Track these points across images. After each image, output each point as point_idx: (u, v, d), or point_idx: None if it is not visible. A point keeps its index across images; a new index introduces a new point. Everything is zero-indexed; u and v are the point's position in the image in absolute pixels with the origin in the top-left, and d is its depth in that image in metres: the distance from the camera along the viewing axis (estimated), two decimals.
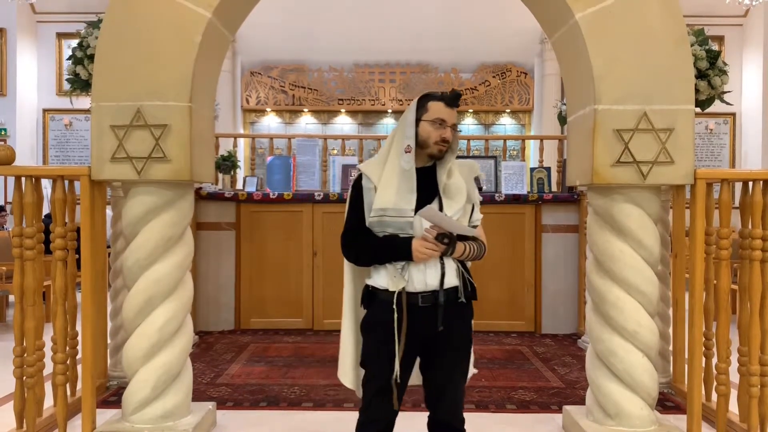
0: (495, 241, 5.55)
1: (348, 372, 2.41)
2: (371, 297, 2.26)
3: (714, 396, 3.20)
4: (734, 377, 3.12)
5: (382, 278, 2.21)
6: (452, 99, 2.23)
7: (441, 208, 2.19)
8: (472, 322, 2.33)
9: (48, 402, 3.19)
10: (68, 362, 3.17)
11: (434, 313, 2.16)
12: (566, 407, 3.37)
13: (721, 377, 3.09)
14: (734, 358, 3.09)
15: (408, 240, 2.15)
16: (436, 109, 2.22)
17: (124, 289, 3.42)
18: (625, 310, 2.93)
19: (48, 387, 3.18)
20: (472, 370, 2.40)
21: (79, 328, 3.20)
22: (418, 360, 2.30)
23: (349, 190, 2.33)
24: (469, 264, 2.34)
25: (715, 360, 3.18)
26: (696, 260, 3.02)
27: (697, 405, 3.02)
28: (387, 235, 2.20)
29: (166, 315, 2.97)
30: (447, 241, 2.13)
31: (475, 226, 2.31)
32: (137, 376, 2.97)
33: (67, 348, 3.18)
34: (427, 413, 2.33)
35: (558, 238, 5.75)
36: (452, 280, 2.20)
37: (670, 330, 3.97)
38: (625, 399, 2.94)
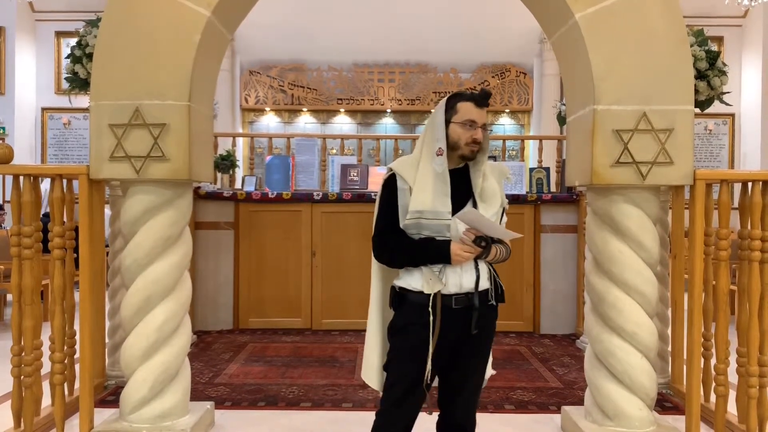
0: None
1: (374, 373, 2.35)
2: (401, 299, 2.21)
3: (713, 397, 3.20)
4: (733, 378, 3.12)
5: (416, 280, 2.17)
6: (482, 98, 2.20)
7: (461, 206, 2.16)
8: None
9: (46, 401, 3.19)
10: (66, 361, 3.17)
11: (466, 315, 2.15)
12: (565, 408, 3.37)
13: (719, 378, 3.09)
14: (733, 358, 3.09)
15: (446, 243, 2.12)
16: (466, 109, 2.18)
17: (122, 288, 3.42)
18: (624, 311, 2.93)
19: (46, 386, 3.17)
20: (490, 371, 2.39)
21: (77, 327, 3.19)
22: None
23: (380, 190, 2.27)
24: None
25: (713, 361, 3.18)
26: (695, 261, 3.02)
27: (695, 406, 3.02)
28: (423, 237, 2.17)
29: (164, 314, 2.97)
30: (484, 244, 2.11)
31: None
32: (135, 376, 2.96)
33: (65, 347, 3.17)
34: (435, 413, 2.31)
35: (557, 238, 5.75)
36: (485, 282, 2.19)
37: (669, 331, 3.97)
38: (623, 399, 2.94)
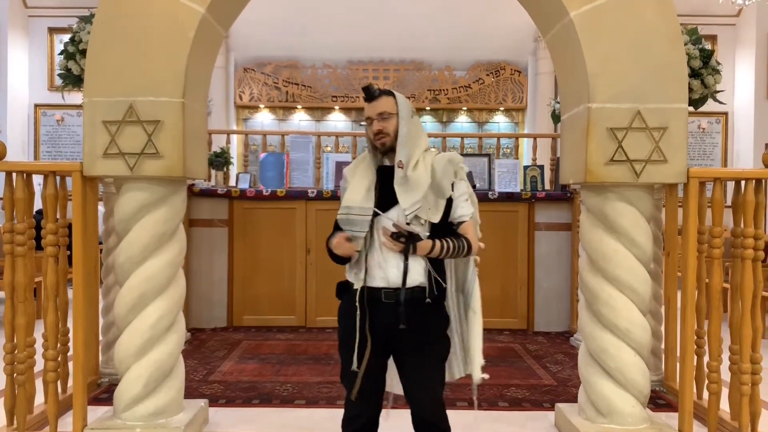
0: (488, 239, 5.53)
1: None
2: (343, 290, 2.32)
3: (705, 394, 3.21)
4: (725, 375, 3.14)
5: (350, 273, 2.30)
6: (366, 95, 2.31)
7: (395, 201, 2.21)
8: (454, 324, 2.34)
9: (39, 399, 3.17)
10: (59, 359, 3.15)
11: (396, 310, 2.17)
12: (558, 405, 3.38)
13: (712, 375, 3.11)
14: (726, 356, 3.11)
15: (332, 235, 2.25)
16: (365, 110, 2.32)
17: (116, 285, 3.41)
18: (618, 308, 2.94)
19: (39, 384, 3.16)
20: (478, 374, 2.32)
21: (70, 324, 3.18)
22: None
23: None
24: (449, 262, 2.34)
25: (706, 358, 3.19)
26: (688, 259, 3.03)
27: (688, 403, 3.04)
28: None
29: (158, 312, 2.96)
30: (403, 240, 2.14)
31: (459, 222, 2.30)
32: (129, 373, 2.96)
33: (59, 345, 3.16)
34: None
35: (551, 236, 5.76)
36: (417, 278, 2.20)
37: (662, 328, 3.98)
38: (617, 397, 2.95)
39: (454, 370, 2.39)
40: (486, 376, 2.34)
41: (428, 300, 2.21)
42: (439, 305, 2.29)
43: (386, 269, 2.20)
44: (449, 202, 2.27)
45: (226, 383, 4.03)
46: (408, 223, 2.18)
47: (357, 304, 2.19)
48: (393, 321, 2.17)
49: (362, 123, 2.39)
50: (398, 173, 2.24)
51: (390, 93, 2.31)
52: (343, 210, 2.26)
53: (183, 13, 2.95)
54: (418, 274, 2.20)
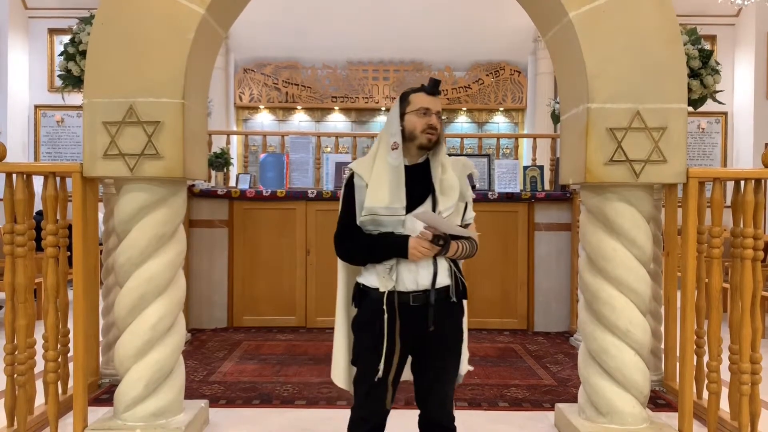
0: (488, 239, 5.56)
1: (341, 372, 2.40)
2: (362, 295, 2.25)
3: (705, 394, 3.22)
4: (725, 375, 3.14)
5: (374, 277, 2.21)
6: (432, 86, 2.24)
7: (435, 204, 2.18)
8: (465, 320, 2.33)
9: (39, 400, 3.18)
10: (60, 360, 3.15)
11: (425, 312, 2.16)
12: (558, 405, 3.38)
13: (712, 375, 3.11)
14: (725, 356, 3.11)
15: (404, 237, 2.14)
16: (419, 99, 2.23)
17: (116, 286, 3.41)
18: (618, 309, 2.94)
19: (39, 385, 3.16)
20: (467, 367, 2.38)
21: (70, 325, 3.18)
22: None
23: (342, 189, 2.32)
24: (461, 262, 2.34)
25: (706, 358, 3.20)
26: (688, 259, 3.03)
27: (688, 403, 3.04)
28: (382, 233, 2.19)
29: (158, 313, 2.96)
30: (442, 242, 2.12)
31: (467, 225, 2.31)
32: (129, 374, 2.96)
33: (59, 346, 3.16)
34: (416, 411, 2.32)
35: (551, 236, 5.77)
36: (444, 279, 2.20)
37: (662, 328, 3.99)
38: (617, 397, 2.95)
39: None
40: (470, 367, 2.40)
41: (453, 299, 2.21)
42: (461, 304, 2.29)
43: (417, 271, 2.16)
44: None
45: (227, 384, 4.03)
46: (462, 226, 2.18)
47: (385, 307, 2.14)
48: (422, 323, 2.16)
49: (405, 113, 2.23)
50: (435, 176, 2.22)
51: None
52: (368, 210, 2.16)
53: (183, 14, 2.95)
54: (444, 275, 2.20)
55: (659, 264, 4.01)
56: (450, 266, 2.22)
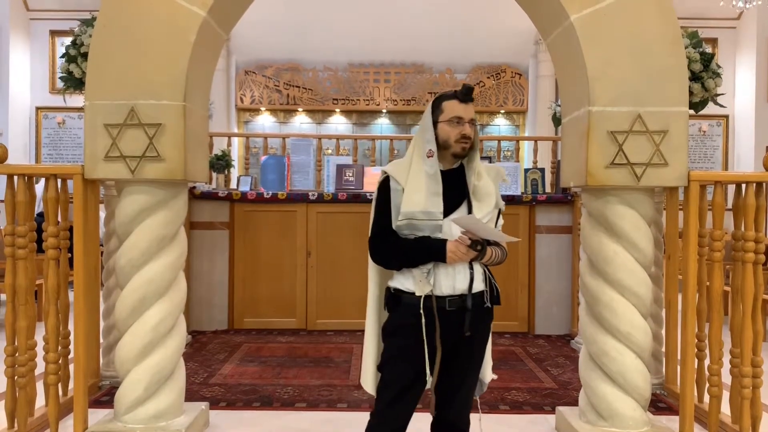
0: None
1: (369, 378, 2.34)
2: (396, 300, 2.21)
3: (706, 397, 3.21)
4: (726, 379, 3.13)
5: (409, 281, 2.18)
6: (465, 94, 2.20)
7: (470, 211, 2.17)
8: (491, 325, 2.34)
9: (40, 402, 3.18)
10: (60, 362, 3.16)
11: (461, 317, 2.15)
12: (559, 408, 3.37)
13: (713, 378, 3.10)
14: (726, 359, 3.10)
15: (442, 241, 2.12)
16: (451, 107, 2.19)
17: (116, 288, 3.41)
18: (619, 312, 2.94)
19: (40, 387, 3.16)
20: (491, 375, 2.39)
21: (71, 327, 3.18)
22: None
23: (375, 193, 2.28)
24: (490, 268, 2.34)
25: (707, 361, 3.19)
26: (689, 262, 3.03)
27: (689, 406, 3.04)
28: (419, 237, 2.17)
29: (159, 315, 2.96)
30: (480, 247, 2.12)
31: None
32: (130, 376, 2.96)
33: (59, 347, 3.16)
34: (427, 413, 2.31)
35: (552, 239, 5.76)
36: (480, 284, 2.20)
37: (663, 331, 3.98)
38: (618, 400, 2.95)
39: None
40: (495, 376, 2.42)
41: (488, 305, 2.22)
42: (492, 309, 2.28)
43: (454, 276, 2.15)
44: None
45: (227, 386, 4.03)
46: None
47: (422, 311, 2.12)
48: (458, 328, 2.16)
49: (438, 120, 2.19)
50: (470, 182, 2.21)
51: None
52: (405, 215, 2.14)
53: (184, 17, 2.95)
54: (480, 280, 2.20)
55: (660, 267, 4.01)
56: (485, 272, 2.23)
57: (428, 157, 2.19)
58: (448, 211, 2.15)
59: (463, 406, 2.27)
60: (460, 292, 2.15)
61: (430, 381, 2.13)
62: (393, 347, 2.21)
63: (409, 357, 2.15)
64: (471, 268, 2.17)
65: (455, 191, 2.19)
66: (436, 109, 2.22)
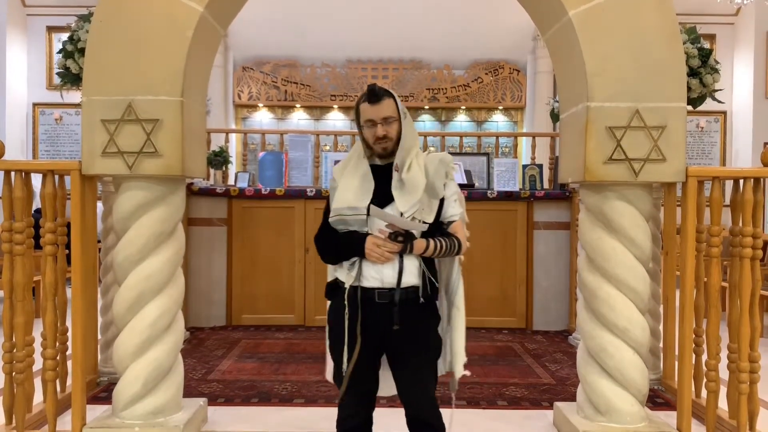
0: (487, 237, 5.57)
1: (329, 368, 2.44)
2: (332, 290, 2.31)
3: (704, 392, 3.22)
4: (724, 374, 3.14)
5: (343, 273, 2.26)
6: (369, 96, 2.25)
7: (392, 203, 2.20)
8: (441, 323, 2.35)
9: (38, 398, 3.17)
10: (58, 358, 3.15)
11: (389, 310, 2.17)
12: (557, 404, 3.38)
13: (710, 374, 3.11)
14: (724, 355, 3.11)
15: (363, 236, 2.18)
16: (363, 111, 2.27)
17: (114, 284, 3.40)
18: (617, 307, 2.94)
19: (38, 383, 3.16)
20: (461, 371, 2.35)
21: (69, 323, 3.18)
22: None
23: None
24: (444, 261, 2.34)
25: (705, 357, 3.20)
26: (687, 258, 3.04)
27: (687, 401, 3.04)
28: (346, 232, 2.24)
29: (157, 311, 2.96)
30: (401, 239, 2.13)
31: (449, 222, 2.31)
32: (128, 372, 2.96)
33: (57, 344, 3.16)
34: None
35: (550, 235, 5.77)
36: (411, 278, 2.21)
37: (661, 327, 3.99)
38: (615, 395, 2.95)
39: (439, 367, 2.39)
40: (467, 372, 2.37)
41: (422, 300, 2.22)
42: (432, 305, 2.30)
43: (381, 269, 2.19)
44: (441, 201, 2.29)
45: (225, 382, 4.03)
46: (414, 218, 2.18)
47: (346, 302, 2.18)
48: (387, 321, 2.18)
49: (360, 124, 2.30)
50: (395, 176, 2.23)
51: (391, 94, 2.27)
52: (335, 212, 2.24)
53: (182, 12, 2.94)
54: (412, 274, 2.20)
55: (658, 263, 4.02)
56: (420, 266, 2.22)
57: (364, 157, 2.31)
58: (382, 206, 2.20)
59: (420, 400, 2.26)
60: (389, 286, 2.18)
61: (344, 369, 2.18)
62: (330, 335, 2.33)
63: (338, 347, 2.24)
64: (401, 261, 2.18)
65: (388, 185, 2.24)
66: (357, 114, 2.31)
